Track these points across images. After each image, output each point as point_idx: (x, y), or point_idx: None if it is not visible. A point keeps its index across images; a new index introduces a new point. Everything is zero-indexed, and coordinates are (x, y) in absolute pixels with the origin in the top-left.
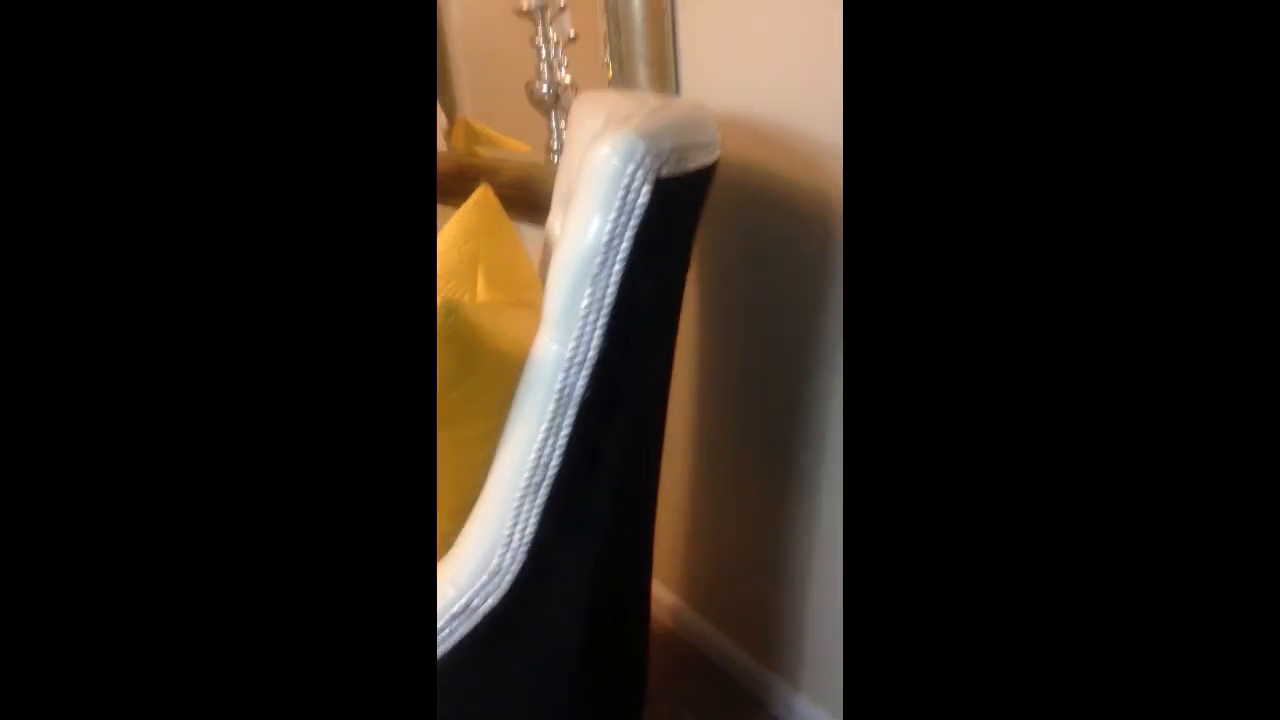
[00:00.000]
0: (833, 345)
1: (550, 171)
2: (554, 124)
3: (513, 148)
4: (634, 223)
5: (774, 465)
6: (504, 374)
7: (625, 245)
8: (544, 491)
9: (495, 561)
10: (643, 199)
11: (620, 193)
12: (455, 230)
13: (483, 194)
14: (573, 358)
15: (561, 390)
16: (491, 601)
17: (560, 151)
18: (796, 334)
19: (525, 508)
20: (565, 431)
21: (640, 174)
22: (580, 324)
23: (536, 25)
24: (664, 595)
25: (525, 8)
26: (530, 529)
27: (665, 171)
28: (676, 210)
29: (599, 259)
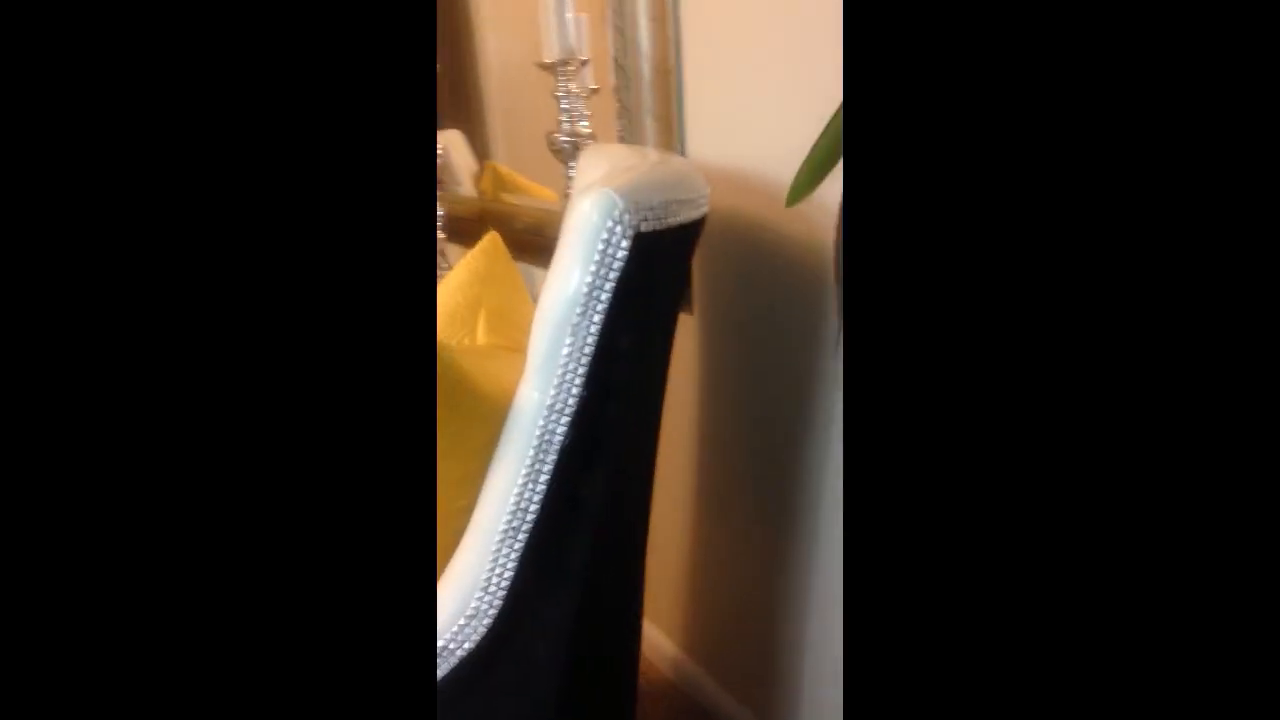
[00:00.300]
0: (832, 395)
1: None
2: (571, 172)
3: (537, 193)
4: (614, 275)
5: (773, 515)
6: (489, 418)
7: (605, 297)
8: (522, 537)
9: (474, 605)
10: (622, 252)
11: (600, 246)
12: (462, 274)
13: (490, 241)
14: (552, 405)
15: (541, 437)
16: (469, 645)
17: None
18: (795, 384)
19: (504, 552)
20: (544, 478)
21: (619, 229)
22: (560, 372)
23: (557, 78)
24: (664, 645)
25: (547, 61)
26: (509, 573)
27: (646, 227)
28: (659, 263)
29: (579, 309)
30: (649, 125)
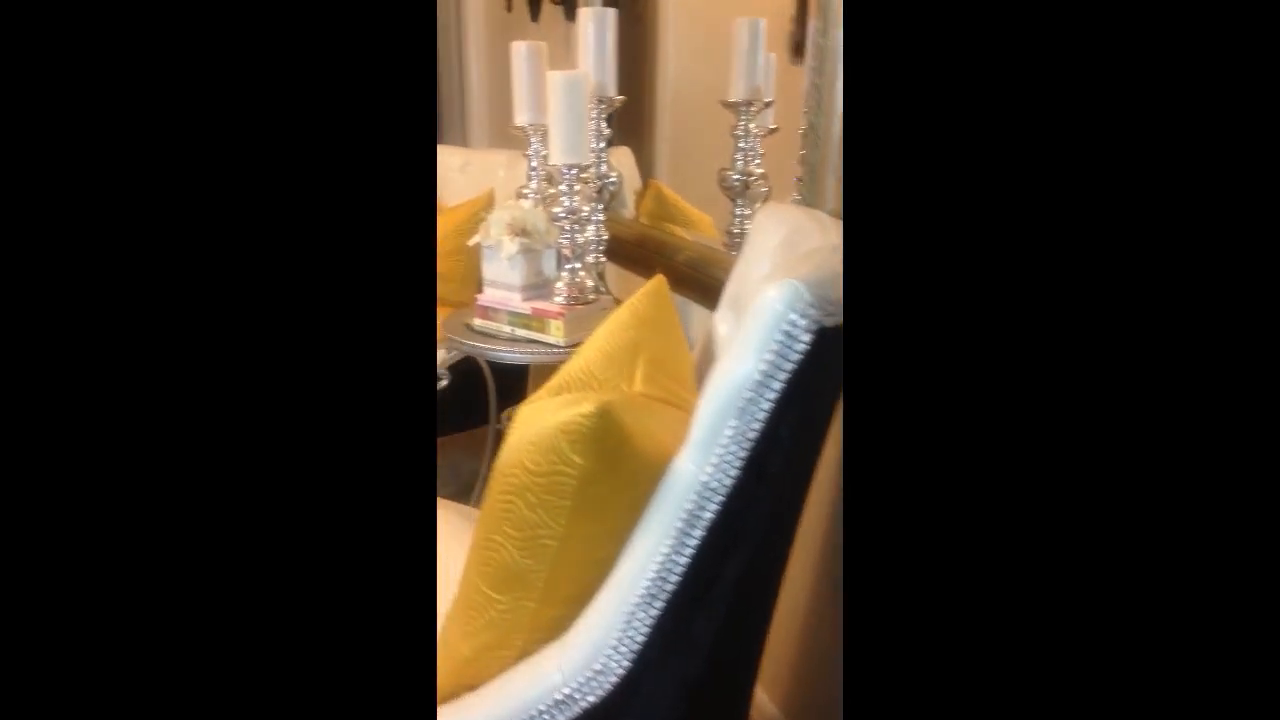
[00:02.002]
0: None
1: (726, 259)
2: (738, 210)
3: (697, 221)
4: (789, 366)
5: None
6: (642, 477)
7: (778, 386)
8: (658, 605)
9: (602, 661)
10: (801, 345)
11: (780, 337)
12: (625, 315)
13: (657, 284)
14: (707, 483)
15: (691, 512)
16: (592, 699)
17: (740, 241)
18: None
19: (638, 616)
20: (689, 552)
21: (803, 323)
22: (720, 453)
23: (738, 117)
24: (766, 705)
25: (731, 100)
26: (640, 637)
27: (830, 322)
28: (834, 358)
29: (749, 394)
30: (830, 185)
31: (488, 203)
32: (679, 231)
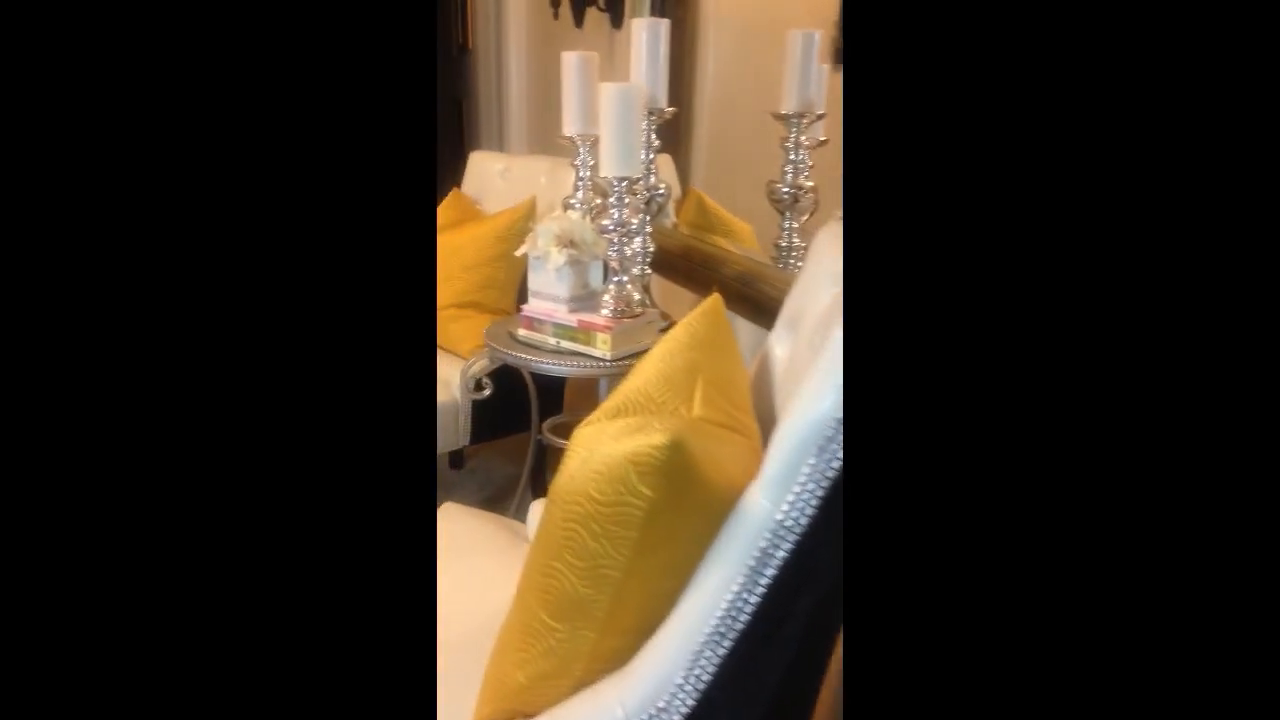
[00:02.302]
0: None
1: (775, 274)
2: (787, 223)
3: (738, 230)
4: None
5: None
6: (711, 510)
7: None
8: (726, 644)
9: (665, 699)
10: None
11: None
12: (682, 336)
13: (714, 303)
14: (782, 521)
15: (765, 550)
16: None
17: (788, 254)
18: None
19: (706, 655)
20: (760, 590)
21: None
22: (797, 490)
23: (789, 129)
24: None
25: (783, 111)
26: (707, 676)
27: None
28: None
29: (828, 433)
30: None
31: (529, 211)
32: (722, 242)
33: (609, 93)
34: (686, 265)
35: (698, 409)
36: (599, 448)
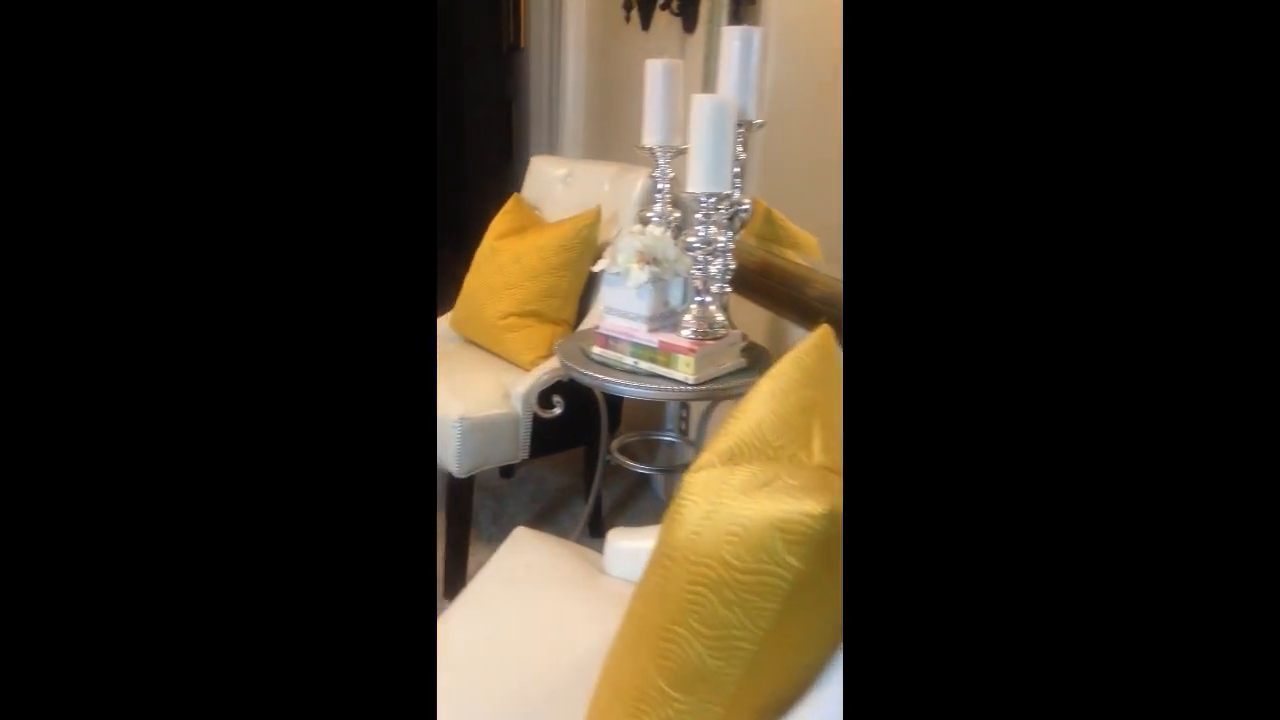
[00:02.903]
0: None
1: None
2: None
3: (804, 239)
4: None
5: None
6: None
7: None
8: None
9: None
10: None
11: None
12: (794, 373)
13: (824, 336)
14: None
15: None
16: None
17: None
18: None
19: None
20: None
21: None
22: None
23: None
24: None
25: None
26: None
27: None
28: None
29: None
30: None
31: (595, 220)
32: (794, 256)
33: (701, 105)
34: (764, 283)
35: (817, 455)
36: (727, 503)
